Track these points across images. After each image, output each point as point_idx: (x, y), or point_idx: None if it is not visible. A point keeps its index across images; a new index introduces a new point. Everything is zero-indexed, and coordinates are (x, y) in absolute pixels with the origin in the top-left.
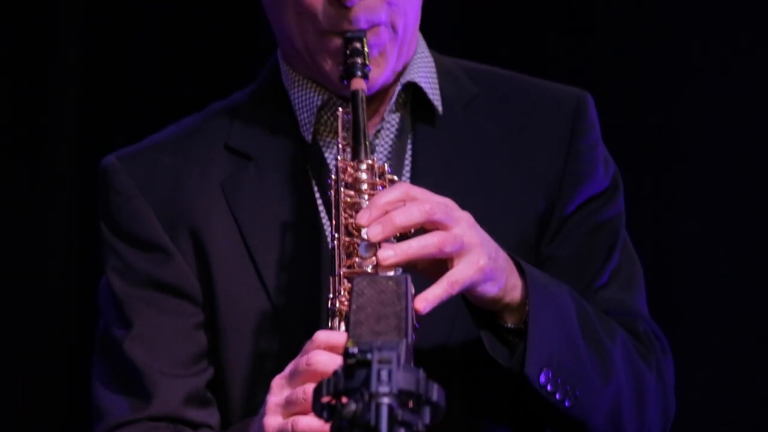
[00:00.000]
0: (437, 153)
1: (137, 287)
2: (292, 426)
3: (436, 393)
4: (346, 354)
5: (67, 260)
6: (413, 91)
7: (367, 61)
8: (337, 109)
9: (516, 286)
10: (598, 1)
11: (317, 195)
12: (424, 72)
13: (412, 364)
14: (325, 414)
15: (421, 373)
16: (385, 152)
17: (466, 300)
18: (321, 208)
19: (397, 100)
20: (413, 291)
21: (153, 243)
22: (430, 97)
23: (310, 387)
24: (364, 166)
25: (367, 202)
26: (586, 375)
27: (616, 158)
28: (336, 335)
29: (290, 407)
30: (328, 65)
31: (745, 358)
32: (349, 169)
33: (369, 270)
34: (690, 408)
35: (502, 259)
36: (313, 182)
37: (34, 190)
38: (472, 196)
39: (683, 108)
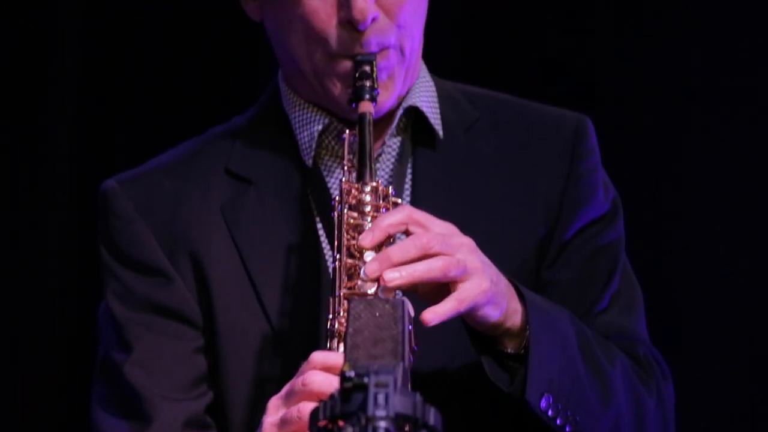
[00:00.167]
0: (437, 177)
1: (137, 311)
2: None
3: (432, 417)
4: (342, 377)
5: (66, 260)
6: (414, 115)
7: (375, 85)
8: (342, 132)
9: (516, 311)
10: (597, 23)
11: (317, 219)
12: (425, 96)
13: (409, 388)
14: None
15: (418, 397)
16: (386, 176)
17: (466, 325)
18: (321, 231)
19: (398, 124)
20: (412, 314)
21: (153, 267)
22: (431, 121)
23: (305, 406)
24: (368, 189)
25: (370, 224)
26: (586, 400)
27: (617, 168)
28: (332, 356)
29: (285, 426)
30: (337, 88)
31: (746, 360)
32: (353, 190)
33: (370, 292)
34: (690, 409)
35: (503, 284)
36: (314, 206)
37: (33, 190)
38: (472, 220)
39: (683, 124)
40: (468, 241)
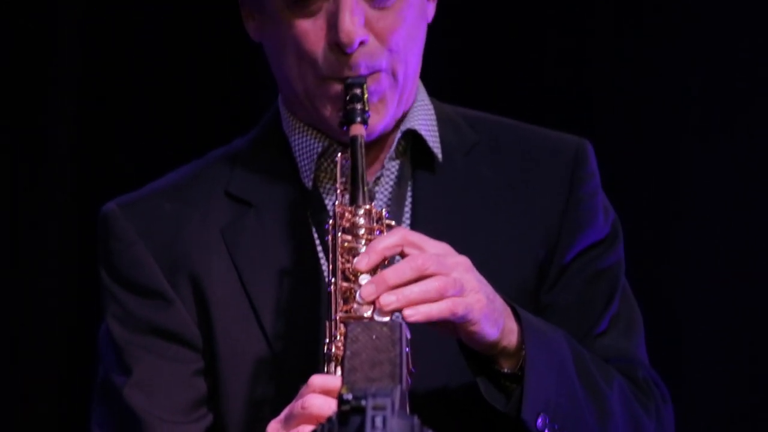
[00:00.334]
0: (437, 201)
1: (137, 334)
2: None
3: None
4: (340, 400)
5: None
6: (413, 138)
7: (366, 108)
8: (337, 155)
9: (513, 330)
10: (597, 46)
11: (317, 241)
12: (424, 119)
13: (407, 411)
14: None
15: (416, 420)
16: (385, 199)
17: (462, 346)
18: (321, 254)
19: (397, 147)
20: (409, 336)
21: (153, 289)
22: (430, 144)
23: (304, 429)
24: (362, 211)
25: (364, 247)
26: (583, 420)
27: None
28: (331, 379)
29: None
30: (328, 111)
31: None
32: (347, 214)
33: (366, 315)
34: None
35: (499, 302)
36: (313, 229)
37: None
38: (471, 243)
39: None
40: (464, 261)
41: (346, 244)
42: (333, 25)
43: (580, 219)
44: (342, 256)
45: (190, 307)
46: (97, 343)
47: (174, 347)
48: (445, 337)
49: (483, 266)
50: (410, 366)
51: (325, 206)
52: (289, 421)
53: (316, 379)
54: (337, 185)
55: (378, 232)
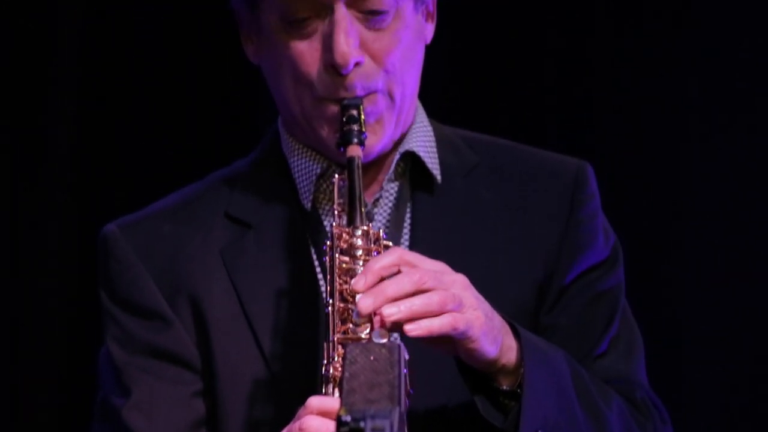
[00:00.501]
0: (436, 222)
1: (136, 355)
2: None
3: None
4: (339, 422)
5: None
6: (412, 160)
7: (363, 129)
8: (334, 177)
9: (511, 347)
10: (596, 68)
11: (316, 263)
12: (422, 141)
13: None
14: None
15: None
16: (384, 221)
17: (460, 364)
18: (320, 275)
19: (396, 169)
20: (407, 357)
21: (152, 311)
22: (429, 166)
23: None
24: (359, 232)
25: (362, 268)
26: None
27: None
28: (328, 401)
29: None
30: (325, 132)
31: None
32: (344, 235)
33: (364, 335)
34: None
35: (498, 320)
36: (312, 250)
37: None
38: (470, 265)
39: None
40: (461, 278)
41: (343, 265)
42: (328, 46)
43: (579, 241)
44: (339, 277)
45: (189, 328)
46: (97, 364)
47: (173, 368)
48: (443, 357)
49: (482, 287)
50: (408, 387)
51: (323, 227)
52: None
53: (314, 401)
54: (335, 206)
55: (375, 253)
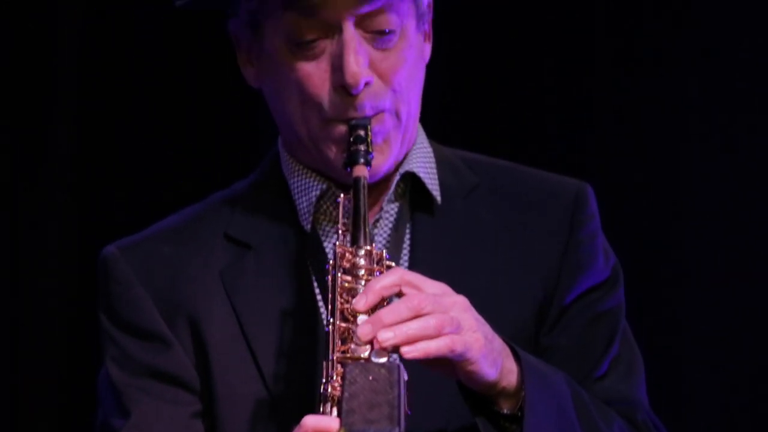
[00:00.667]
0: (436, 243)
1: (135, 376)
2: None
3: None
4: None
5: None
6: (412, 181)
7: (370, 149)
8: (337, 197)
9: (512, 370)
10: (595, 90)
11: (315, 283)
12: (422, 162)
13: None
14: None
15: None
16: (383, 242)
17: (461, 386)
18: (319, 296)
19: (396, 189)
20: (406, 378)
21: (152, 332)
22: (429, 187)
23: None
24: (362, 252)
25: (363, 288)
26: None
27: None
28: (324, 420)
29: None
30: (332, 152)
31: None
32: (347, 254)
33: (364, 355)
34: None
35: (498, 342)
36: (311, 271)
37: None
38: (470, 286)
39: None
40: (461, 300)
41: (346, 284)
42: (338, 67)
43: (579, 261)
44: (341, 297)
45: (188, 350)
46: (96, 387)
47: (173, 390)
48: (444, 379)
49: (482, 308)
50: (406, 408)
51: (323, 248)
52: None
53: (309, 420)
54: (339, 225)
55: (378, 273)
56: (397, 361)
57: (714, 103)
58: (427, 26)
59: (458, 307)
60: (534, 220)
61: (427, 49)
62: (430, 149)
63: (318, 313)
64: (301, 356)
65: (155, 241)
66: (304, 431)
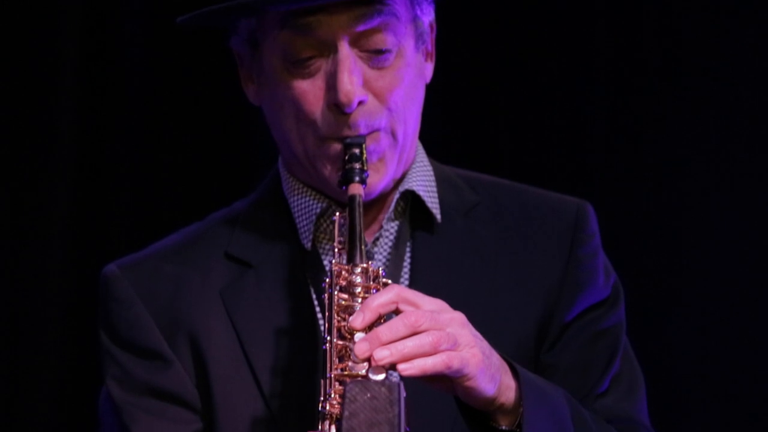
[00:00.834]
0: (436, 261)
1: (136, 395)
2: None
3: None
4: None
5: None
6: (412, 199)
7: (365, 167)
8: (335, 215)
9: (510, 386)
10: (596, 108)
11: (315, 302)
12: (422, 180)
13: None
14: None
15: None
16: (383, 260)
17: (459, 403)
18: (319, 314)
19: (395, 208)
20: (405, 394)
21: (152, 350)
22: (428, 205)
23: None
24: (358, 270)
25: (360, 306)
26: None
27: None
28: None
29: None
30: (327, 170)
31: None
32: (343, 272)
33: (362, 372)
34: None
35: (496, 358)
36: (311, 289)
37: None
38: (470, 304)
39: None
40: (459, 316)
41: (342, 302)
42: (332, 85)
43: (580, 280)
44: (338, 315)
45: (188, 368)
46: (96, 405)
47: (173, 408)
48: (442, 395)
49: (482, 327)
50: (406, 425)
51: (323, 266)
52: None
53: None
54: (335, 244)
55: (374, 291)
56: (397, 379)
57: (717, 123)
58: (429, 46)
59: (455, 323)
60: (534, 238)
61: (429, 68)
62: (429, 168)
63: (318, 332)
64: (301, 374)
65: (156, 260)
66: None
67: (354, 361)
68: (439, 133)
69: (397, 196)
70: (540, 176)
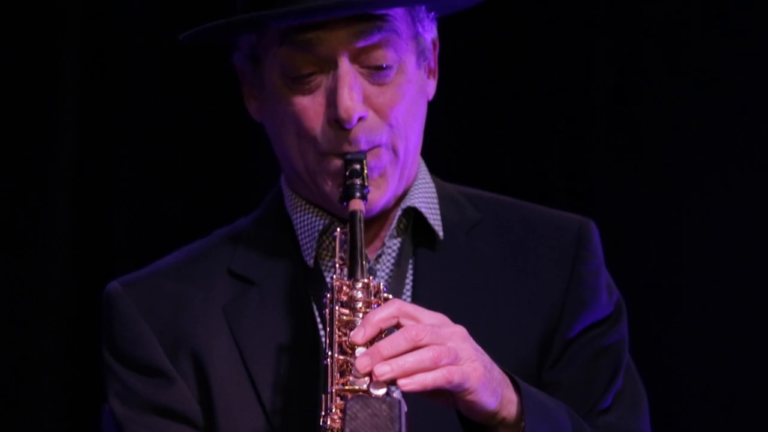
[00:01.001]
0: (438, 278)
1: (139, 412)
2: None
3: None
4: None
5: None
6: (414, 216)
7: (366, 183)
8: (336, 231)
9: (512, 400)
10: (598, 126)
11: (318, 318)
12: (424, 197)
13: None
14: None
15: None
16: (386, 277)
17: (461, 417)
18: (322, 331)
19: (398, 225)
20: (406, 409)
21: (155, 368)
22: (431, 221)
23: None
24: (359, 285)
25: (361, 321)
26: None
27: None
28: None
29: None
30: (328, 186)
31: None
32: (344, 287)
33: (363, 387)
34: None
35: (497, 372)
36: (314, 306)
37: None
38: (473, 321)
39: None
40: (460, 330)
41: (343, 317)
42: (332, 101)
43: (582, 297)
44: (339, 330)
45: (191, 385)
46: (99, 423)
47: (176, 425)
48: (444, 410)
49: (485, 344)
50: None
51: (326, 283)
52: None
53: None
54: (336, 260)
55: (375, 306)
56: (398, 395)
57: (718, 140)
58: (432, 62)
59: (456, 337)
60: (537, 255)
61: (431, 85)
62: (432, 184)
63: (320, 348)
64: (304, 391)
65: (158, 278)
66: None
67: (355, 376)
68: (441, 150)
69: (399, 212)
70: (542, 194)
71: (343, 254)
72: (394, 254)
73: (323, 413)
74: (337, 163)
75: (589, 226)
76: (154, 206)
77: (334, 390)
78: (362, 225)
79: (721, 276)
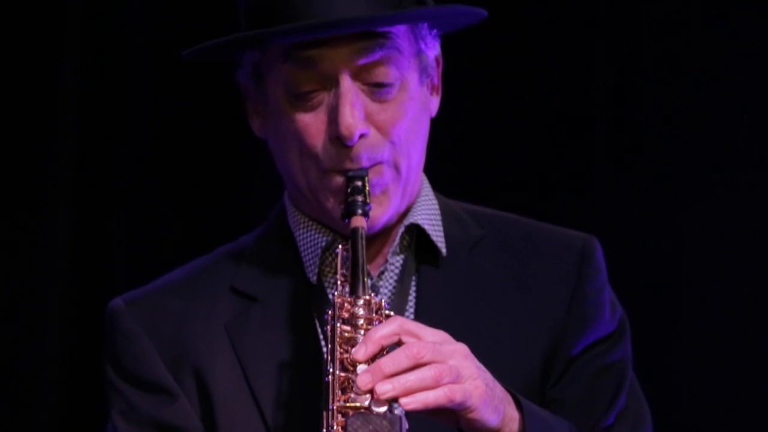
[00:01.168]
0: (441, 295)
1: (141, 429)
2: None
3: None
4: None
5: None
6: (417, 232)
7: (368, 200)
8: (338, 248)
9: (513, 418)
10: (600, 142)
11: (320, 335)
12: (427, 214)
13: None
14: None
15: None
16: (388, 294)
17: None
18: (324, 348)
19: (401, 242)
20: (407, 427)
21: (157, 384)
22: (434, 238)
23: None
24: (361, 302)
25: (363, 337)
26: None
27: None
28: None
29: None
30: (330, 203)
31: None
32: (346, 304)
33: (365, 404)
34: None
35: (499, 389)
36: (317, 322)
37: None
38: (476, 338)
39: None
40: (461, 347)
41: (345, 334)
42: (333, 118)
43: (586, 314)
44: (341, 347)
45: (194, 402)
46: None
47: None
48: (446, 427)
49: (488, 361)
50: None
51: (329, 300)
52: None
53: None
54: (338, 276)
55: (377, 323)
56: (399, 412)
57: (718, 141)
58: (435, 79)
59: (458, 354)
60: (540, 272)
61: (434, 102)
62: (435, 201)
63: (322, 364)
64: (305, 407)
65: (161, 295)
66: None
67: (356, 393)
68: (444, 167)
69: (401, 229)
70: (542, 194)
71: (344, 271)
72: (396, 271)
73: (324, 430)
74: (339, 180)
75: (593, 243)
76: (154, 207)
77: (335, 407)
78: (364, 242)
79: (722, 276)
